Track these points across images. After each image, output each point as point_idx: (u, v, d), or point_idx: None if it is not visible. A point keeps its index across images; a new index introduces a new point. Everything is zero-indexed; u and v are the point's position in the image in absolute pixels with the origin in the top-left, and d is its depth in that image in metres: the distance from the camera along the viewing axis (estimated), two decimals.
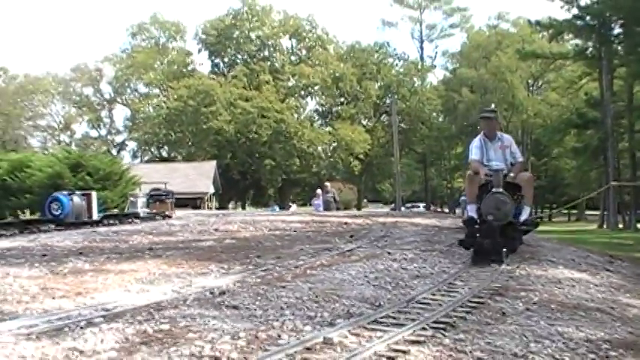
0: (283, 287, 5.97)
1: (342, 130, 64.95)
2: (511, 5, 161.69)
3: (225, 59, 73.37)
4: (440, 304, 5.20)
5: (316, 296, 5.52)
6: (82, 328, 4.29)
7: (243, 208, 65.93)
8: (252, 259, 8.21)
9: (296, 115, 68.36)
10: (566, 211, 67.22)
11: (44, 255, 8.64)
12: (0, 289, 5.92)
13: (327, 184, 31.00)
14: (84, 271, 7.14)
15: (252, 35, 71.25)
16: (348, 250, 9.17)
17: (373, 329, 4.32)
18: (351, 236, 11.55)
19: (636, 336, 4.77)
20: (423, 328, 4.35)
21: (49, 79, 78.46)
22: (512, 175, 8.63)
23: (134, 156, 75.27)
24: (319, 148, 67.62)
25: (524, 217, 8.69)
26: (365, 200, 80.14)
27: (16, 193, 23.60)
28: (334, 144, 67.34)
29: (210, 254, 8.78)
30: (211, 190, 53.18)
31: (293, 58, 73.21)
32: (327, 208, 26.46)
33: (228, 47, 71.41)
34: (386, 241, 10.73)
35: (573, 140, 55.32)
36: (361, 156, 66.39)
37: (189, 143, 67.20)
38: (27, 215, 19.44)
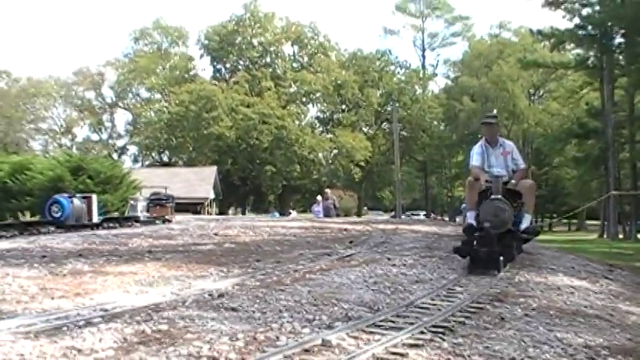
0: (282, 290, 5.97)
1: (343, 137, 65.05)
2: (513, 14, 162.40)
3: (227, 65, 73.54)
4: (439, 309, 5.19)
5: (315, 300, 5.52)
6: (80, 327, 4.29)
7: (243, 213, 65.91)
8: (252, 262, 8.21)
9: (297, 122, 68.48)
10: (566, 221, 67.18)
11: (44, 256, 8.63)
12: None
13: (328, 190, 31.05)
14: (83, 272, 7.13)
15: (255, 41, 71.42)
16: (347, 256, 9.15)
17: (372, 332, 4.32)
18: (351, 242, 11.55)
19: (635, 342, 4.76)
20: (422, 332, 4.34)
21: (52, 83, 78.71)
22: (513, 182, 8.54)
23: (135, 160, 75.49)
24: (320, 154, 67.72)
25: (525, 225, 8.57)
26: (365, 208, 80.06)
27: (17, 195, 23.66)
28: (335, 151, 67.45)
29: (210, 258, 8.77)
30: (211, 195, 53.22)
31: (295, 64, 73.40)
32: (327, 214, 26.51)
33: (230, 53, 71.56)
34: (385, 247, 10.72)
35: (574, 150, 55.37)
36: (362, 163, 66.51)
37: (190, 148, 67.29)
38: (27, 217, 19.42)
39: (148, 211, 19.86)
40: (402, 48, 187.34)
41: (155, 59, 74.50)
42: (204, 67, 77.96)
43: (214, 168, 56.12)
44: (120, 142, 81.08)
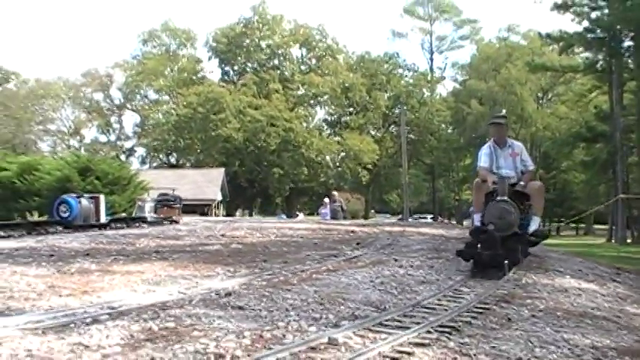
0: (289, 290, 5.97)
1: (351, 140, 65.09)
2: (521, 18, 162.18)
3: (235, 67, 73.69)
4: (445, 309, 5.18)
5: (322, 299, 5.52)
6: (87, 324, 4.31)
7: (251, 215, 66.01)
8: (259, 263, 8.21)
9: (305, 124, 68.59)
10: (574, 225, 66.99)
11: (51, 255, 8.66)
12: (7, 287, 5.94)
13: (335, 193, 31.04)
14: (90, 271, 7.15)
15: (263, 44, 71.59)
16: (354, 257, 9.15)
17: (378, 331, 4.31)
18: (358, 243, 11.54)
19: None
20: (428, 332, 4.33)
21: (60, 84, 79.06)
22: (521, 183, 8.43)
23: (143, 162, 75.64)
24: (327, 157, 67.78)
25: (533, 227, 8.47)
26: (372, 210, 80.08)
27: (25, 195, 23.74)
28: (342, 154, 67.51)
29: (217, 258, 8.78)
30: (219, 197, 53.27)
31: (303, 67, 73.53)
32: (334, 217, 26.46)
33: (238, 55, 71.72)
34: (392, 248, 10.72)
35: (582, 154, 55.25)
36: (369, 166, 66.56)
37: (198, 150, 67.45)
38: (35, 217, 19.48)
39: (155, 212, 19.92)
40: (410, 51, 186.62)
41: (163, 61, 74.71)
42: (212, 70, 78.24)
43: (222, 170, 56.17)
44: (128, 144, 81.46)
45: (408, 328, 4.39)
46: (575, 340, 4.51)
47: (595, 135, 48.51)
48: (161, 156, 75.18)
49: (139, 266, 7.61)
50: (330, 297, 5.63)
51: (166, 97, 75.99)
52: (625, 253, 25.44)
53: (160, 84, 73.10)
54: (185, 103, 64.55)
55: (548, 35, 49.21)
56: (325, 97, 70.45)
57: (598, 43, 45.52)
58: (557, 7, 46.04)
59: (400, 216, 49.97)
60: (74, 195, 16.45)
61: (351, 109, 72.31)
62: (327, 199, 29.21)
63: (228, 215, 50.53)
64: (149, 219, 18.51)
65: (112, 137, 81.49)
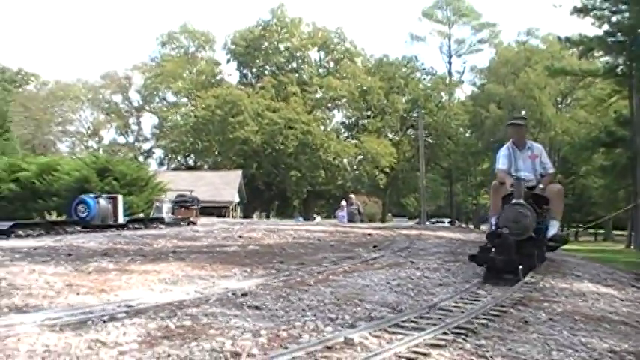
0: (305, 290, 5.99)
1: (368, 144, 65.02)
2: (541, 21, 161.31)
3: (254, 70, 73.83)
4: (462, 311, 5.17)
5: (338, 300, 5.53)
6: (104, 322, 4.35)
7: (268, 218, 66.03)
8: (275, 264, 8.23)
9: (322, 127, 68.59)
10: (592, 231, 66.46)
11: (69, 254, 8.72)
12: (26, 284, 6.00)
13: (352, 196, 31.03)
14: (108, 270, 7.20)
15: (281, 47, 71.69)
16: (371, 259, 9.15)
17: (394, 332, 4.31)
18: (375, 246, 11.53)
19: None
20: (445, 333, 4.33)
21: (79, 86, 79.58)
22: (540, 186, 8.27)
23: (161, 164, 75.79)
24: (345, 160, 67.71)
25: (552, 232, 8.28)
26: (389, 214, 79.97)
27: (44, 196, 23.88)
28: (360, 157, 67.42)
29: (234, 258, 8.81)
30: (236, 199, 53.31)
31: (321, 70, 73.55)
32: (351, 220, 26.47)
33: (256, 58, 71.84)
34: (409, 251, 10.70)
35: (601, 158, 54.79)
36: (387, 170, 66.41)
37: (216, 152, 67.61)
38: (54, 217, 19.61)
39: (173, 213, 20.01)
40: (429, 54, 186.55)
41: (182, 63, 74.99)
42: (230, 72, 78.69)
43: (239, 172, 56.20)
44: (146, 146, 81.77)
45: (424, 329, 4.39)
46: (592, 344, 4.48)
47: (614, 140, 48.05)
48: (179, 158, 75.39)
49: (156, 266, 7.65)
50: (346, 298, 5.64)
51: (184, 100, 76.24)
52: None
53: (179, 86, 73.36)
54: (203, 106, 64.67)
55: (568, 39, 48.81)
56: (343, 100, 70.41)
57: (618, 47, 45.10)
58: (577, 11, 45.66)
59: (417, 220, 49.89)
60: (92, 195, 16.56)
61: (369, 112, 72.30)
62: (344, 203, 29.22)
63: (245, 218, 50.56)
64: (166, 220, 18.60)
65: (131, 139, 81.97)
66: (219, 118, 62.45)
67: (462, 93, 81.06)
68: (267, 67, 72.43)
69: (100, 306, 4.94)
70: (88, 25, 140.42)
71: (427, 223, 41.07)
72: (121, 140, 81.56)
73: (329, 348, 3.78)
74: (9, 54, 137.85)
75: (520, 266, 6.92)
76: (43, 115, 74.48)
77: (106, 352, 3.59)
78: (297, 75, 70.41)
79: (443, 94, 74.86)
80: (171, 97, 77.77)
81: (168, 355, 3.54)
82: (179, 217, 19.65)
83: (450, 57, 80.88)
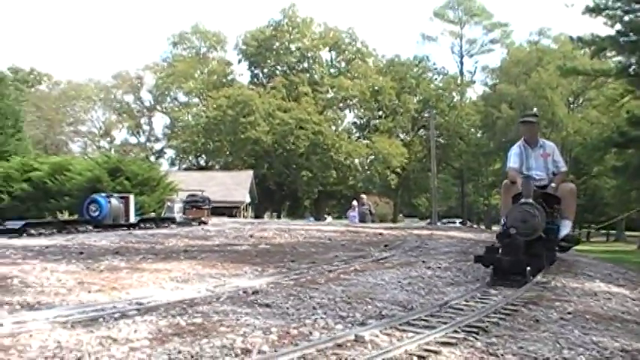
0: (316, 289, 5.99)
1: (380, 144, 64.90)
2: (553, 21, 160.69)
3: (265, 70, 73.83)
4: (473, 310, 5.15)
5: (349, 298, 5.53)
6: (116, 319, 4.37)
7: (279, 218, 66.07)
8: (286, 263, 8.24)
9: (334, 128, 68.53)
10: (604, 232, 66.13)
11: (81, 253, 8.77)
12: (38, 282, 6.04)
13: (363, 196, 30.94)
14: (119, 268, 7.23)
15: (292, 47, 71.67)
16: (382, 258, 9.14)
17: (405, 330, 4.31)
18: (386, 246, 11.51)
19: None
20: (455, 331, 4.32)
21: (91, 86, 79.80)
22: (553, 185, 8.04)
23: (172, 164, 75.95)
24: (356, 160, 67.60)
25: (564, 232, 8.05)
26: (401, 214, 79.84)
27: (56, 195, 23.93)
28: (371, 157, 67.32)
29: (245, 257, 8.83)
30: (247, 199, 53.32)
31: (332, 70, 73.47)
32: (362, 220, 26.39)
33: (268, 58, 71.85)
34: (421, 250, 10.68)
35: (613, 159, 54.49)
36: (398, 170, 66.29)
37: (227, 152, 67.67)
38: (65, 216, 19.68)
39: (184, 212, 20.03)
40: (440, 54, 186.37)
41: (193, 63, 75.11)
42: (241, 72, 78.77)
43: (250, 172, 56.21)
44: (157, 145, 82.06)
45: (435, 327, 4.39)
46: (604, 343, 4.45)
47: (627, 140, 47.65)
48: (190, 158, 75.53)
49: (167, 264, 7.67)
50: (357, 296, 5.64)
51: (196, 100, 76.38)
52: None
53: (190, 86, 73.50)
54: (215, 106, 64.74)
55: (580, 39, 48.48)
56: (354, 100, 70.31)
57: (631, 46, 44.75)
58: (589, 11, 45.32)
59: (429, 220, 49.80)
60: (104, 195, 16.62)
61: (380, 112, 72.18)
62: (355, 203, 29.13)
63: (256, 217, 50.61)
64: (178, 219, 18.64)
65: (142, 139, 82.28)
66: (231, 118, 62.49)
67: (474, 93, 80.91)
68: (279, 67, 72.42)
69: (111, 304, 4.97)
70: (100, 25, 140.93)
71: (438, 224, 40.99)
72: (133, 140, 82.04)
73: (339, 345, 3.79)
74: (21, 54, 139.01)
75: (528, 267, 6.76)
76: (55, 115, 74.73)
77: (117, 349, 3.61)
78: (308, 75, 70.35)
79: (454, 94, 74.73)
80: (182, 97, 78.07)
81: (179, 352, 3.56)
82: (190, 216, 19.68)
83: (462, 57, 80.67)
